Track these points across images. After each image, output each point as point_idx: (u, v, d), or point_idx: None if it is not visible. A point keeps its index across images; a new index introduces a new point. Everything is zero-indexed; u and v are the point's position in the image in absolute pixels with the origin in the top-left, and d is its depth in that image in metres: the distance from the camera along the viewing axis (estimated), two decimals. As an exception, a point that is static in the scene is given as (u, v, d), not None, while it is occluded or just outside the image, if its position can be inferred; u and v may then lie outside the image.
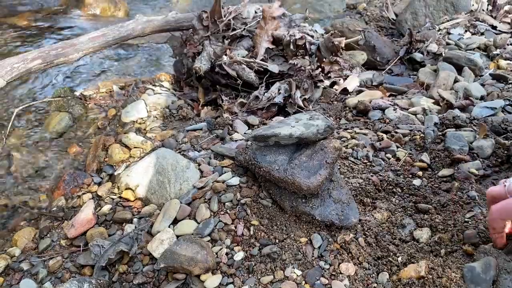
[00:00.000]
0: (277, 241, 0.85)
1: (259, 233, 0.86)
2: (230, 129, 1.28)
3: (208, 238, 0.87)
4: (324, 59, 1.59)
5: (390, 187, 0.99)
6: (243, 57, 1.59)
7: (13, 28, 2.42)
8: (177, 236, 0.88)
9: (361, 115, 1.39)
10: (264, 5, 1.71)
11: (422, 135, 1.17)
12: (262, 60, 1.59)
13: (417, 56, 1.85)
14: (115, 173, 1.16)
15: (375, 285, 0.78)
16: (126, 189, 1.06)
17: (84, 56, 1.68)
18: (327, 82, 1.59)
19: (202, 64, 1.54)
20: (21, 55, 1.47)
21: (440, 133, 1.17)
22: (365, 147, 1.14)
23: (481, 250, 0.78)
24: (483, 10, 2.29)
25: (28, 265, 0.93)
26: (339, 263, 0.80)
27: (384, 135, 1.20)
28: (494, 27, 2.08)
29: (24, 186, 1.28)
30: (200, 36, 1.69)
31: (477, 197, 0.93)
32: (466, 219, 0.88)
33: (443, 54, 1.77)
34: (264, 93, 1.51)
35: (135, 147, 1.26)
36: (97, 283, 0.81)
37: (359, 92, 1.57)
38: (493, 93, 1.43)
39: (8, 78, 1.38)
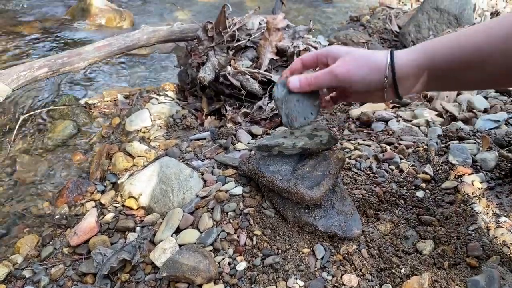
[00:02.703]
0: (279, 251, 0.85)
1: (262, 243, 0.86)
2: (234, 138, 1.28)
3: (211, 247, 0.87)
4: (327, 71, 1.59)
5: (393, 198, 0.99)
6: (247, 67, 1.60)
7: (20, 37, 2.45)
8: (180, 245, 0.88)
9: (364, 126, 1.40)
10: (268, 17, 1.73)
11: (425, 147, 1.17)
12: (266, 70, 1.60)
13: (420, 68, 1.86)
14: (119, 182, 1.16)
15: (378, 297, 0.78)
16: (129, 197, 1.06)
17: (90, 65, 1.70)
18: (330, 93, 1.60)
19: (206, 74, 1.56)
20: (28, 63, 1.49)
21: (444, 145, 1.17)
22: (368, 158, 1.15)
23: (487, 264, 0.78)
24: (486, 23, 2.30)
25: (30, 273, 0.93)
26: (342, 275, 0.80)
27: (388, 147, 1.20)
28: (497, 41, 2.09)
29: (27, 193, 1.29)
30: (205, 47, 1.70)
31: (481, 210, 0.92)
32: (469, 232, 0.87)
33: (446, 67, 1.77)
34: (267, 103, 1.51)
35: (138, 156, 1.26)
36: (99, 292, 0.81)
37: (362, 103, 1.57)
38: (496, 106, 1.43)
39: (14, 86, 1.39)
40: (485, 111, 1.43)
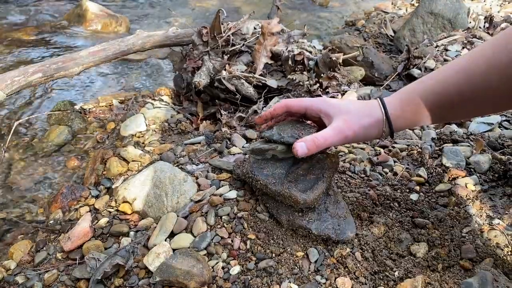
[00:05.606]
0: (273, 255, 0.85)
1: (256, 247, 0.86)
2: (228, 142, 1.28)
3: (205, 251, 0.86)
4: (322, 75, 1.60)
5: (388, 201, 0.99)
6: (242, 72, 1.60)
7: (16, 42, 2.45)
8: (174, 250, 0.88)
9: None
10: (263, 22, 1.73)
11: (419, 150, 1.17)
12: (261, 75, 1.61)
13: (415, 72, 1.86)
14: (113, 186, 1.16)
15: (372, 300, 0.77)
16: (123, 202, 1.06)
17: (85, 70, 1.69)
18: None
19: (201, 79, 1.56)
20: (22, 68, 1.49)
21: (437, 148, 1.17)
22: (363, 161, 1.15)
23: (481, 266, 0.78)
24: (480, 27, 2.32)
25: (24, 279, 0.92)
26: (336, 278, 0.80)
27: (382, 150, 1.20)
28: (491, 44, 2.10)
29: (21, 199, 1.28)
30: (200, 51, 1.70)
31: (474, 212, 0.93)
32: (463, 234, 0.88)
33: (441, 70, 1.78)
34: (262, 107, 1.52)
35: (133, 161, 1.26)
36: (92, 297, 0.80)
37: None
38: (490, 109, 1.43)
39: (8, 91, 1.39)
40: (479, 114, 1.44)
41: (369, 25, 2.70)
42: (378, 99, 0.77)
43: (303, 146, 0.75)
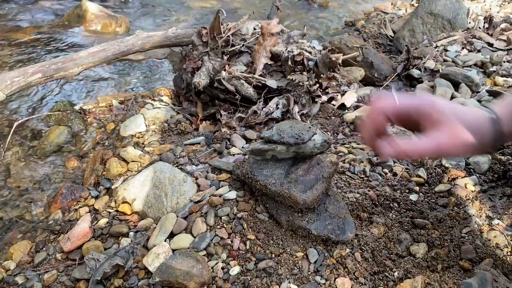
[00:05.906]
0: (273, 255, 0.85)
1: (255, 248, 0.86)
2: (228, 143, 1.28)
3: (204, 252, 0.87)
4: (322, 75, 1.60)
5: (387, 202, 0.99)
6: (242, 72, 1.60)
7: (16, 43, 2.45)
8: (173, 250, 0.88)
9: (359, 130, 1.40)
10: (262, 22, 1.73)
11: (419, 150, 1.17)
12: (260, 75, 1.61)
13: (415, 72, 1.87)
14: (113, 187, 1.16)
15: (372, 300, 0.77)
16: (123, 202, 1.06)
17: (84, 71, 1.69)
18: (324, 98, 1.60)
19: (201, 79, 1.56)
20: (22, 69, 1.49)
21: (437, 149, 1.17)
22: (362, 162, 1.15)
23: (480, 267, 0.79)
24: (479, 27, 2.32)
25: (23, 279, 0.92)
26: (335, 278, 0.80)
27: (381, 150, 1.20)
28: (490, 45, 2.10)
29: (21, 199, 1.28)
30: (200, 52, 1.70)
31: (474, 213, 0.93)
32: (462, 234, 0.88)
33: (440, 71, 1.78)
34: (262, 108, 1.52)
35: (133, 161, 1.26)
36: (92, 297, 0.80)
37: (356, 107, 1.58)
38: (490, 109, 1.43)
39: (7, 91, 1.39)
40: (479, 114, 1.43)
41: (368, 26, 2.70)
42: (494, 119, 0.64)
43: (389, 149, 0.63)
